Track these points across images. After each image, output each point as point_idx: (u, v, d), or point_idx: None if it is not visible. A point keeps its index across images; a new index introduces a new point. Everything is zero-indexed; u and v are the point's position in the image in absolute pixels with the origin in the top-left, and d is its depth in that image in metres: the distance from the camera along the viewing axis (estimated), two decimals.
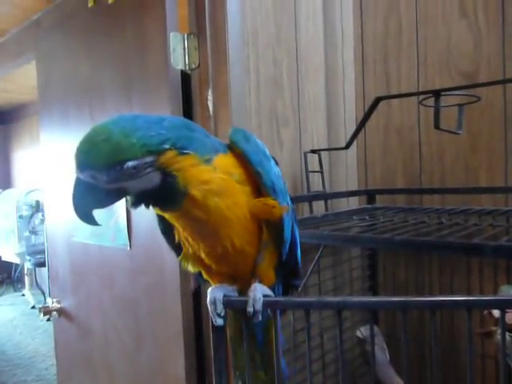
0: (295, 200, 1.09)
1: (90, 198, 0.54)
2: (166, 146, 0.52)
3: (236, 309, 0.65)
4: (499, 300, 0.55)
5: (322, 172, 1.42)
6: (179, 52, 1.19)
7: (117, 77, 1.36)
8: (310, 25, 1.44)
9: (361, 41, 1.64)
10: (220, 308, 0.62)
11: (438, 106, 1.01)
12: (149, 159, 0.51)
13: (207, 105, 1.19)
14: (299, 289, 1.25)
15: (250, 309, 0.59)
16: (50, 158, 1.73)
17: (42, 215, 4.31)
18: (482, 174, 1.38)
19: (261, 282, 0.63)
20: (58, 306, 1.72)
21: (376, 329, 1.39)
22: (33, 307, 4.65)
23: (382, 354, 1.29)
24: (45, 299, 4.28)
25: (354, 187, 1.65)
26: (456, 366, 1.38)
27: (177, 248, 0.66)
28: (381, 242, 0.94)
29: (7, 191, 5.06)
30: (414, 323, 1.48)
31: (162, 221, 0.64)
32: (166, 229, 0.65)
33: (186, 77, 1.23)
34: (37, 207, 4.48)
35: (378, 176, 1.63)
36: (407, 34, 1.52)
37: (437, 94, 1.01)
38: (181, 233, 0.62)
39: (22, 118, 5.58)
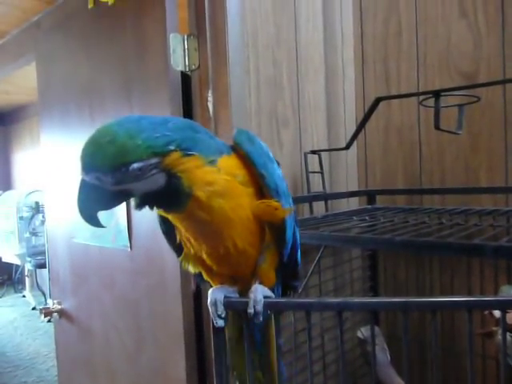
0: (295, 201, 1.09)
1: (95, 200, 0.54)
2: (171, 148, 0.52)
3: (237, 310, 0.65)
4: (500, 301, 0.55)
5: (322, 172, 1.42)
6: (179, 53, 1.19)
7: (117, 78, 1.36)
8: (309, 25, 1.44)
9: (361, 41, 1.64)
10: (221, 309, 0.61)
11: (438, 107, 1.01)
12: (154, 161, 0.51)
13: (207, 106, 1.19)
14: (299, 290, 1.26)
15: (250, 310, 0.59)
16: (50, 160, 1.73)
17: (43, 216, 4.31)
18: (483, 174, 1.38)
19: (261, 283, 0.63)
20: (59, 307, 1.72)
21: (377, 329, 1.39)
22: (33, 308, 4.65)
23: (382, 354, 1.29)
24: (45, 300, 4.28)
25: (354, 188, 1.65)
26: (457, 366, 1.37)
27: (178, 248, 0.66)
28: (381, 242, 0.94)
29: (7, 193, 5.06)
30: (414, 324, 1.48)
31: (163, 221, 0.64)
32: (168, 229, 0.65)
33: (186, 78, 1.23)
34: (37, 208, 4.47)
35: (378, 176, 1.63)
36: (407, 34, 1.53)
37: (437, 94, 1.01)
38: (182, 233, 0.62)
39: (22, 120, 5.58)
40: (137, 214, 1.33)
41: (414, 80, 1.51)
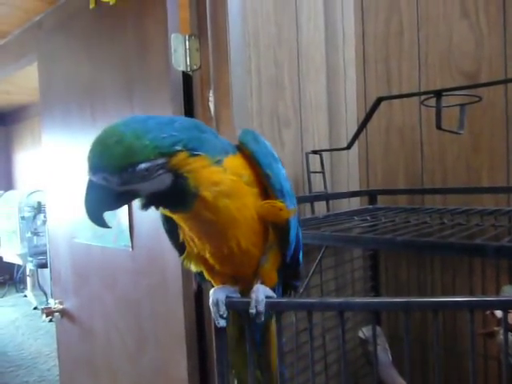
0: (297, 201, 1.09)
1: (101, 201, 0.54)
2: (178, 148, 0.52)
3: (238, 310, 0.65)
4: (502, 301, 0.55)
5: (323, 172, 1.42)
6: (180, 53, 1.19)
7: (118, 78, 1.37)
8: (311, 25, 1.44)
9: (362, 41, 1.64)
10: (223, 309, 0.61)
11: (440, 106, 1.00)
12: (161, 161, 0.51)
13: (209, 106, 1.19)
14: (300, 290, 1.26)
15: (252, 310, 0.59)
16: (51, 160, 1.73)
17: (44, 216, 4.32)
18: (484, 173, 1.37)
19: (263, 283, 0.63)
20: (61, 306, 1.72)
21: (378, 329, 1.39)
22: (35, 308, 4.65)
23: (384, 354, 1.29)
24: (47, 300, 4.29)
25: (355, 188, 1.65)
26: (458, 366, 1.37)
27: (180, 247, 0.66)
28: (382, 242, 0.94)
29: (9, 192, 5.07)
30: (416, 324, 1.48)
31: (166, 220, 0.64)
32: (171, 228, 0.65)
33: (187, 78, 1.23)
34: (39, 208, 4.48)
35: (379, 176, 1.62)
36: (408, 34, 1.52)
37: (438, 94, 1.01)
38: (186, 232, 0.62)
39: (23, 120, 5.59)
40: (138, 214, 1.33)
41: (415, 80, 1.51)
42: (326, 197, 1.42)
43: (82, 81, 1.52)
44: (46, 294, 4.49)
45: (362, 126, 1.19)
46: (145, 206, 0.56)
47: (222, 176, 0.55)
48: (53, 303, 1.74)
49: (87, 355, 1.63)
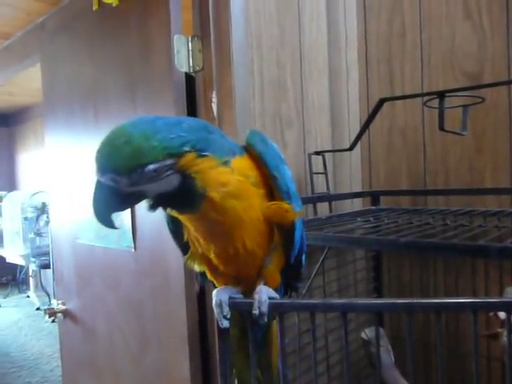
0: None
1: (110, 202, 0.54)
2: (186, 149, 0.52)
3: (241, 311, 0.65)
4: (505, 302, 0.54)
5: (326, 173, 1.42)
6: (183, 54, 1.19)
7: (121, 79, 1.37)
8: (313, 26, 1.45)
9: (364, 42, 1.64)
10: (226, 310, 0.61)
11: (443, 107, 1.00)
12: (169, 162, 0.51)
13: (211, 107, 1.19)
14: (303, 291, 1.26)
15: (255, 311, 0.59)
16: (54, 160, 1.74)
17: (47, 217, 4.34)
18: (487, 174, 1.37)
19: (266, 283, 0.63)
20: (63, 307, 1.72)
21: (381, 330, 1.39)
22: (38, 309, 4.66)
23: (387, 355, 1.29)
24: (50, 301, 4.29)
25: (358, 188, 1.64)
26: (461, 367, 1.37)
27: (184, 247, 0.66)
28: (385, 243, 0.94)
29: (12, 193, 5.09)
30: (419, 325, 1.48)
31: (171, 220, 0.64)
32: (175, 228, 0.65)
33: (190, 79, 1.23)
34: (42, 209, 4.50)
35: (382, 177, 1.62)
36: (411, 35, 1.52)
37: (441, 95, 1.01)
38: (191, 232, 0.62)
39: (26, 121, 5.61)
40: (141, 215, 1.33)
41: (418, 81, 1.51)
42: (329, 198, 1.42)
43: (84, 82, 1.52)
44: (48, 294, 4.50)
45: (365, 127, 1.19)
46: (152, 207, 0.56)
47: (229, 177, 0.55)
48: (55, 304, 1.75)
49: (90, 356, 1.63)
